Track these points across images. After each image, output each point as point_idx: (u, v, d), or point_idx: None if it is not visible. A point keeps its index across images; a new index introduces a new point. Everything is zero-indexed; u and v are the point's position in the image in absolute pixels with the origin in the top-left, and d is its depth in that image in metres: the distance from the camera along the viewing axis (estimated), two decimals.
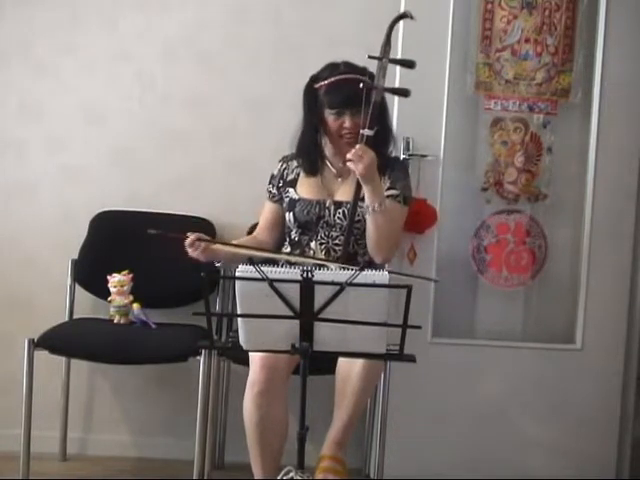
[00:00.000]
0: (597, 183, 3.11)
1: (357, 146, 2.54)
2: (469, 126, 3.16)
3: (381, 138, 2.68)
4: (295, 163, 2.82)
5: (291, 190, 2.78)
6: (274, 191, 2.83)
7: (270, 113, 3.18)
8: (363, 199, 2.65)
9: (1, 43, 3.19)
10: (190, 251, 2.57)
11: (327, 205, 2.72)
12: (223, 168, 3.22)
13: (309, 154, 2.75)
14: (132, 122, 3.22)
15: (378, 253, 2.66)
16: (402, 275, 2.51)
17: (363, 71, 2.65)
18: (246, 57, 3.21)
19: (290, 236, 2.79)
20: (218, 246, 2.64)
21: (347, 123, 2.65)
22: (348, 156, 2.55)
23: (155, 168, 3.23)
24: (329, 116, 2.67)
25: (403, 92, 2.67)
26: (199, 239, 2.56)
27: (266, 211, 2.86)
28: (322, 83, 2.68)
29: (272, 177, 2.85)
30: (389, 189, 2.69)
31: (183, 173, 3.23)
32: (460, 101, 3.12)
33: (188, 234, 2.57)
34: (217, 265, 2.58)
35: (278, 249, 2.80)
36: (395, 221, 2.67)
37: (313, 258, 2.64)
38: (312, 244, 2.73)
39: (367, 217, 2.61)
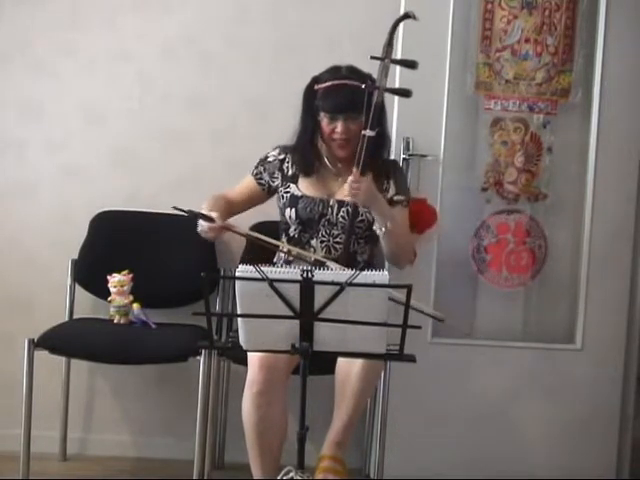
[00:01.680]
0: (597, 183, 3.11)
1: (350, 178, 2.56)
2: (469, 126, 3.16)
3: (381, 140, 2.69)
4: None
5: (293, 186, 2.77)
6: (264, 174, 2.81)
7: (270, 113, 3.18)
8: None
9: (1, 43, 3.19)
10: (205, 230, 2.57)
11: (330, 204, 2.72)
12: (223, 168, 3.22)
13: (305, 154, 2.76)
14: (132, 122, 3.22)
15: (400, 262, 2.76)
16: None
17: (366, 77, 2.64)
18: (246, 57, 3.21)
19: (288, 233, 2.78)
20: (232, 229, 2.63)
21: (339, 128, 2.66)
22: (345, 192, 2.58)
23: (155, 168, 3.23)
24: (323, 119, 2.68)
25: (404, 92, 2.68)
26: (224, 227, 2.57)
27: (245, 186, 2.84)
28: (320, 86, 2.68)
29: (265, 161, 2.83)
30: (396, 194, 2.74)
31: (183, 173, 3.23)
32: (460, 101, 3.13)
33: (213, 214, 2.57)
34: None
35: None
36: (405, 228, 2.75)
37: (314, 255, 2.63)
38: (313, 242, 2.73)
39: (380, 236, 2.64)
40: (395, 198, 2.73)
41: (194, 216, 2.58)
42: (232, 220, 2.70)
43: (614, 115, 3.09)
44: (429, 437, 3.09)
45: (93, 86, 3.21)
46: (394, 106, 3.00)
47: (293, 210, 2.75)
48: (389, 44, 2.59)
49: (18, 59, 3.20)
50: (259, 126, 3.20)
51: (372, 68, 2.63)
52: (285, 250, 2.70)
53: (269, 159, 2.83)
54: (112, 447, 3.25)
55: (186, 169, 3.23)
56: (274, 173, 2.81)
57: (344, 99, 2.63)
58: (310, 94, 2.71)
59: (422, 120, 3.05)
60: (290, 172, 2.79)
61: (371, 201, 2.60)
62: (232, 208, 2.77)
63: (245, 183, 2.85)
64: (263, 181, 2.82)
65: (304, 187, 2.76)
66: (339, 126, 2.65)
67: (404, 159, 3.01)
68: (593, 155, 3.11)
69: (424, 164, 3.04)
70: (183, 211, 2.58)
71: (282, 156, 2.81)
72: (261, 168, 2.83)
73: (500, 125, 3.13)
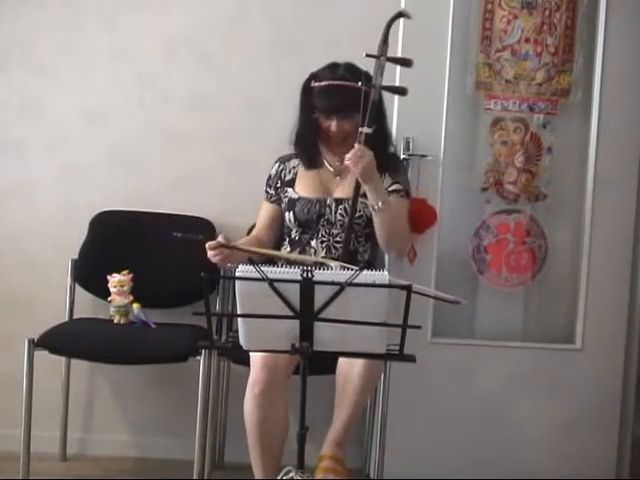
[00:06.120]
0: (597, 183, 3.11)
1: (356, 146, 2.56)
2: (469, 126, 3.16)
3: (379, 137, 2.69)
4: (292, 163, 2.84)
5: (290, 190, 2.79)
6: (271, 192, 2.85)
7: (270, 113, 3.19)
8: (364, 195, 2.67)
9: (1, 43, 3.20)
10: (211, 255, 2.49)
11: (328, 203, 2.73)
12: (223, 168, 3.22)
13: (307, 148, 2.77)
14: (132, 122, 3.22)
15: (391, 249, 2.78)
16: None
17: (363, 75, 2.63)
18: (246, 57, 3.21)
19: (290, 235, 2.79)
20: (237, 251, 2.52)
21: (333, 127, 2.69)
22: (347, 157, 2.57)
23: (155, 168, 3.23)
24: (319, 116, 2.70)
25: (401, 90, 2.68)
26: (222, 245, 2.48)
27: (264, 211, 2.87)
28: (317, 84, 2.70)
29: (269, 178, 2.87)
30: (393, 184, 2.74)
31: (183, 173, 3.23)
32: (460, 101, 3.12)
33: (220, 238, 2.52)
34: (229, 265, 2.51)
35: (277, 248, 2.80)
36: (400, 216, 2.73)
37: (323, 259, 2.59)
38: (313, 242, 2.73)
39: (373, 216, 2.63)
40: (390, 188, 2.73)
41: (196, 240, 2.52)
42: None
43: (614, 115, 3.09)
44: (429, 437, 3.09)
45: (93, 86, 3.21)
46: (394, 106, 3.00)
47: (291, 213, 2.76)
48: (384, 42, 2.60)
49: (18, 59, 3.20)
50: (259, 126, 3.20)
51: (371, 67, 2.63)
52: (284, 258, 2.67)
53: (271, 174, 2.86)
54: (112, 447, 3.25)
55: (186, 169, 3.23)
56: (277, 184, 2.83)
57: (338, 100, 2.65)
58: (307, 90, 2.73)
59: (422, 120, 3.05)
60: (288, 177, 2.82)
61: (369, 175, 2.57)
62: (261, 241, 2.78)
63: (263, 210, 2.87)
64: (273, 197, 2.84)
65: (302, 189, 2.77)
66: (333, 125, 2.69)
67: (404, 159, 3.01)
68: (593, 155, 3.10)
69: (424, 164, 3.04)
70: (186, 237, 2.52)
71: (281, 167, 2.85)
72: (267, 187, 2.86)
73: (500, 125, 3.13)
